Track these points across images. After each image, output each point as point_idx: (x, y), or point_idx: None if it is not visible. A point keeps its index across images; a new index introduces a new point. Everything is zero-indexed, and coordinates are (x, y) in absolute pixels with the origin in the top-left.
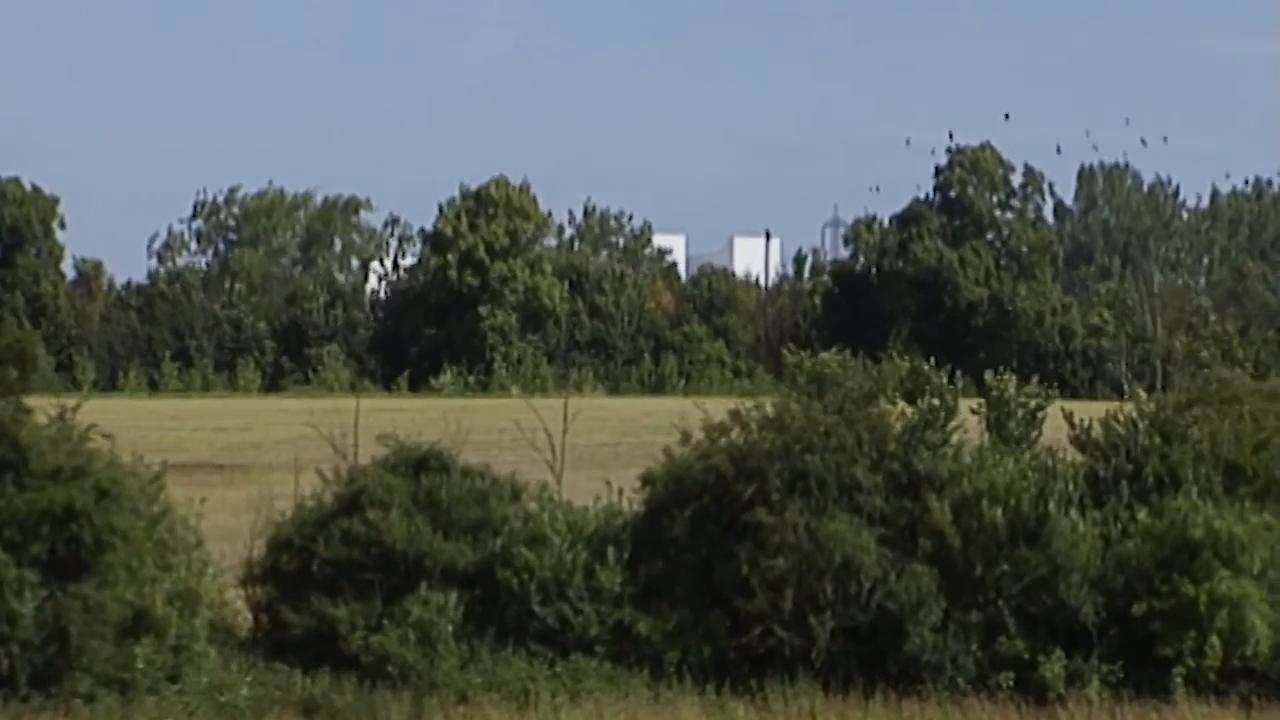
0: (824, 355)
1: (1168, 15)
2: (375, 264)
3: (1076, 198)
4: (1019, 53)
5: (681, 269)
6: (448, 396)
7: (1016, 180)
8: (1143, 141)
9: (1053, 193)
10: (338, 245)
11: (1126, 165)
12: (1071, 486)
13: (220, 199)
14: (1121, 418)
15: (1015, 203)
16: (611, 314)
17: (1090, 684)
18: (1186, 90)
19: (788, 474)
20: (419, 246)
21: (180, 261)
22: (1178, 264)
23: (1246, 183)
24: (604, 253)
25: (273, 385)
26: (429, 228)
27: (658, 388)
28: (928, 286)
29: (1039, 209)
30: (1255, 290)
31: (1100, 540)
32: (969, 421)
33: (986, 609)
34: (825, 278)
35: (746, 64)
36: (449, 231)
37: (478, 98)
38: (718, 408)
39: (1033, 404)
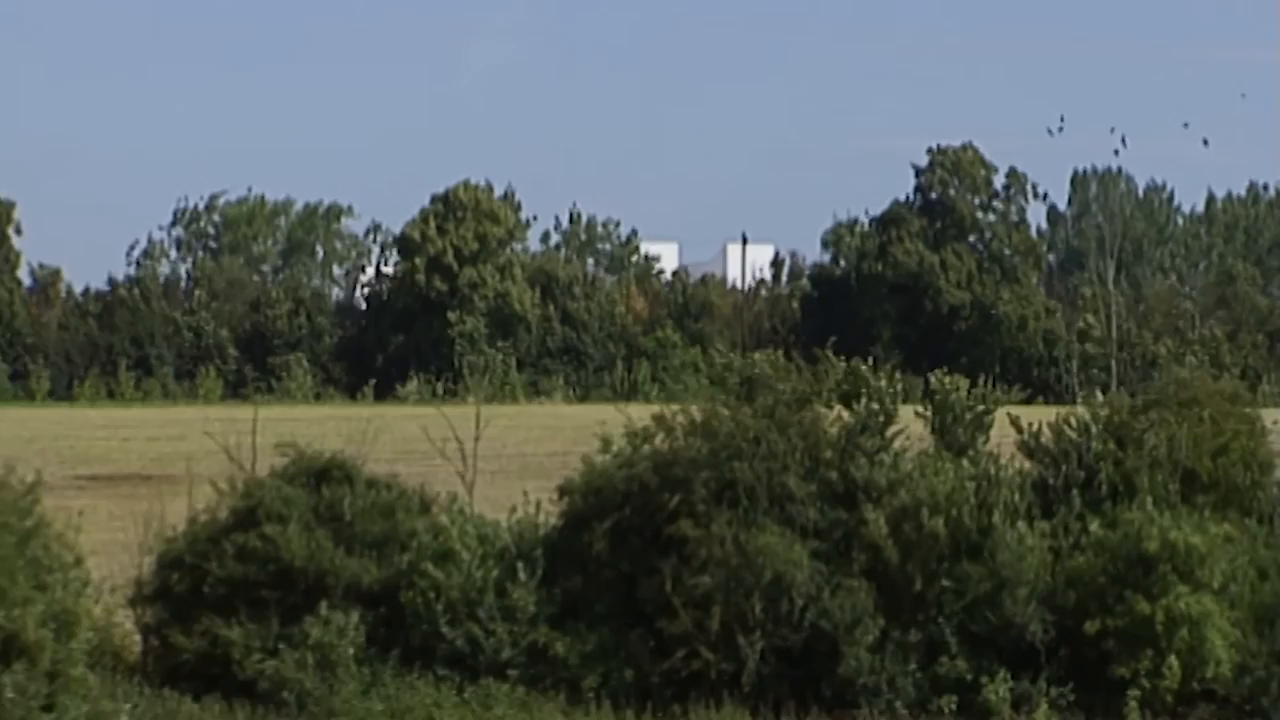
0: (756, 356)
1: (1163, 22)
2: (362, 273)
3: (1069, 203)
4: (1006, 58)
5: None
6: (413, 405)
7: (999, 182)
8: (1123, 141)
9: (1036, 193)
10: (320, 253)
11: (1119, 170)
12: (1018, 496)
13: (201, 206)
14: (1074, 422)
15: (998, 204)
16: (584, 320)
17: (1038, 708)
18: (1182, 96)
19: (715, 483)
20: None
21: (163, 270)
22: (1173, 269)
23: (1250, 189)
24: (590, 260)
25: (235, 394)
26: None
27: (630, 395)
28: (908, 290)
29: (1022, 211)
30: (1244, 293)
31: (1049, 553)
32: (915, 428)
33: (927, 627)
34: (804, 282)
35: (743, 70)
36: (417, 236)
37: (469, 106)
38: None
39: (980, 408)
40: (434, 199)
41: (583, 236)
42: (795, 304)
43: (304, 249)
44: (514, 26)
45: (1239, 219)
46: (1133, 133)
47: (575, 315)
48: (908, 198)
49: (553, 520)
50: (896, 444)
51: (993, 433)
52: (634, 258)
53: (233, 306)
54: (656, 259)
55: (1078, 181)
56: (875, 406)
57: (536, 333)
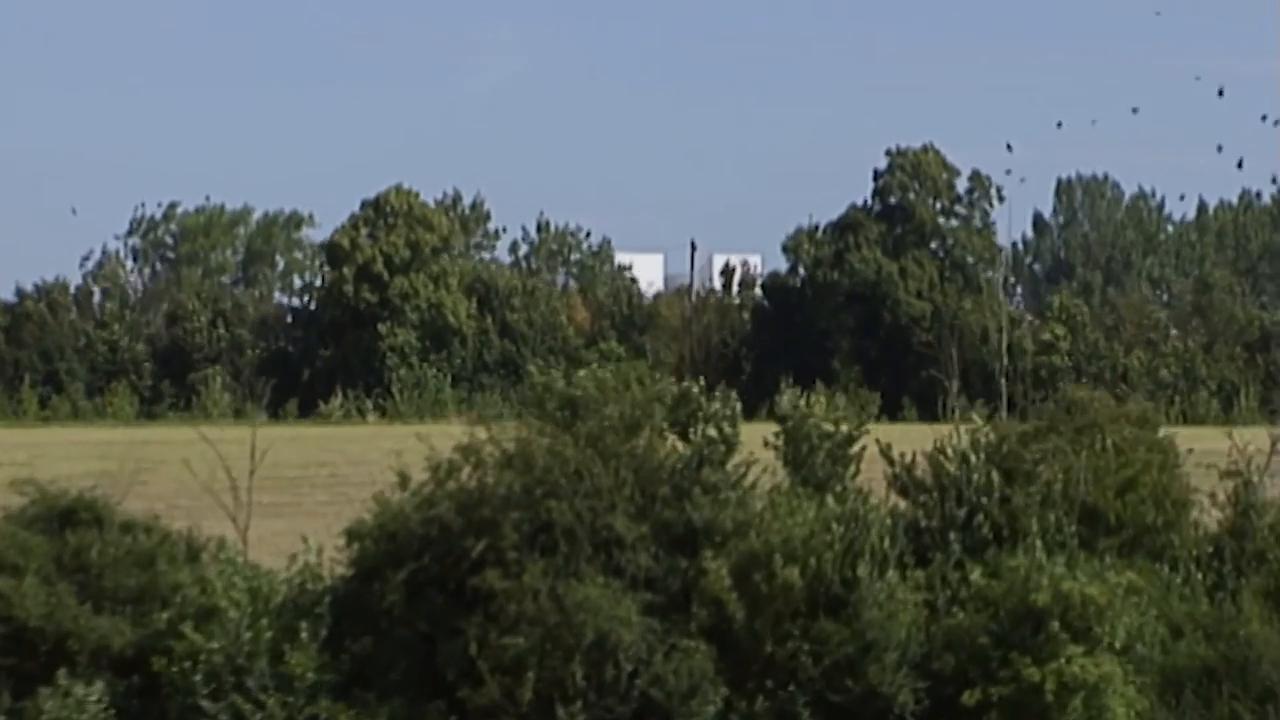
0: (580, 373)
1: (1157, 35)
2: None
3: (1055, 211)
4: (993, 67)
5: (661, 287)
6: (336, 424)
7: (962, 185)
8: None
9: (1001, 197)
10: (280, 264)
11: (1106, 177)
12: (889, 541)
13: (159, 215)
14: (951, 451)
15: (960, 209)
16: (523, 332)
17: None
18: (1174, 104)
19: (528, 526)
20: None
21: (122, 281)
22: (1161, 280)
23: (1243, 196)
24: (560, 271)
25: (149, 412)
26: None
27: None
28: (865, 300)
29: (986, 216)
30: (1221, 302)
31: (923, 609)
32: (765, 457)
33: (777, 696)
34: (756, 291)
35: (736, 83)
36: (345, 244)
37: (440, 116)
38: None
39: (843, 432)
40: (364, 205)
41: (552, 246)
42: (746, 315)
43: (263, 260)
44: (495, 43)
45: (1230, 226)
46: (1123, 139)
47: (514, 327)
48: (866, 202)
49: (340, 570)
50: (748, 478)
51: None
52: (605, 267)
53: (148, 319)
54: (628, 268)
55: (1063, 190)
56: (714, 434)
57: (473, 345)
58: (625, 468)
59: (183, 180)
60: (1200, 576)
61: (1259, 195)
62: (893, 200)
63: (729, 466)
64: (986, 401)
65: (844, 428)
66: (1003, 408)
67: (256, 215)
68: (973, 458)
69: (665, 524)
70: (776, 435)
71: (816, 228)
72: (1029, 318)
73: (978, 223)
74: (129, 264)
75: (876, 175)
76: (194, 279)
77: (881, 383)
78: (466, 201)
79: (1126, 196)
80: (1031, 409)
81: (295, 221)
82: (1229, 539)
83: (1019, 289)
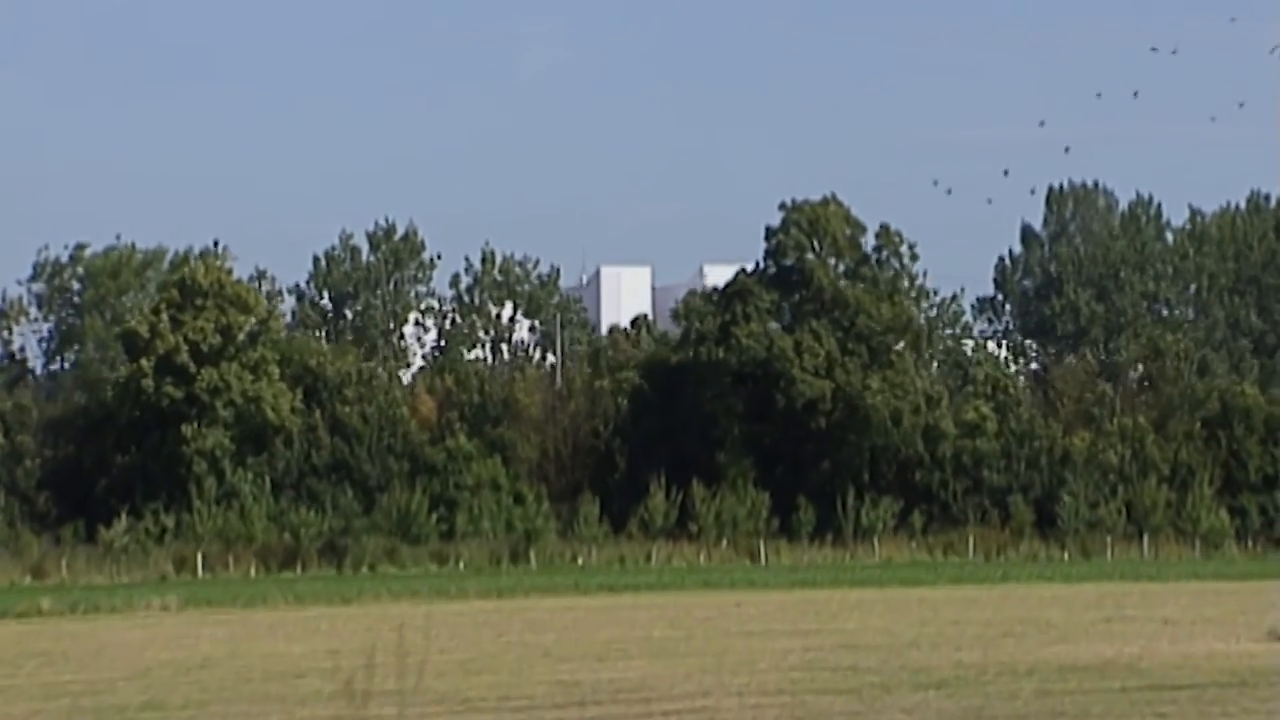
0: None
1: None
2: None
3: (1045, 223)
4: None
5: (648, 301)
6: (121, 551)
7: (869, 243)
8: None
9: (914, 254)
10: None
11: (1097, 184)
12: None
13: (65, 257)
14: None
15: (867, 271)
16: (357, 428)
17: None
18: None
19: None
20: (290, 301)
21: (17, 331)
22: (1158, 297)
23: (1251, 198)
24: (508, 304)
25: None
26: (302, 282)
27: (405, 528)
28: (756, 380)
29: (896, 278)
30: (1175, 370)
31: None
32: None
33: None
34: (631, 372)
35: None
36: (144, 331)
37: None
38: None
39: None
40: (164, 286)
41: (497, 277)
42: (622, 400)
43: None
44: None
45: (1232, 234)
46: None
47: (347, 422)
48: (758, 265)
49: None
50: None
51: None
52: (554, 299)
53: None
54: (578, 300)
55: (1054, 199)
56: None
57: (299, 446)
58: None
59: (90, 218)
60: None
61: (1267, 198)
62: (788, 262)
63: None
64: (900, 496)
65: None
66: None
67: (170, 255)
68: None
69: None
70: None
71: (712, 291)
72: (948, 393)
73: (887, 286)
74: (32, 312)
75: (769, 233)
76: (97, 328)
77: (777, 475)
78: (400, 232)
79: (1122, 204)
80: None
81: (212, 259)
82: None
83: (1008, 306)
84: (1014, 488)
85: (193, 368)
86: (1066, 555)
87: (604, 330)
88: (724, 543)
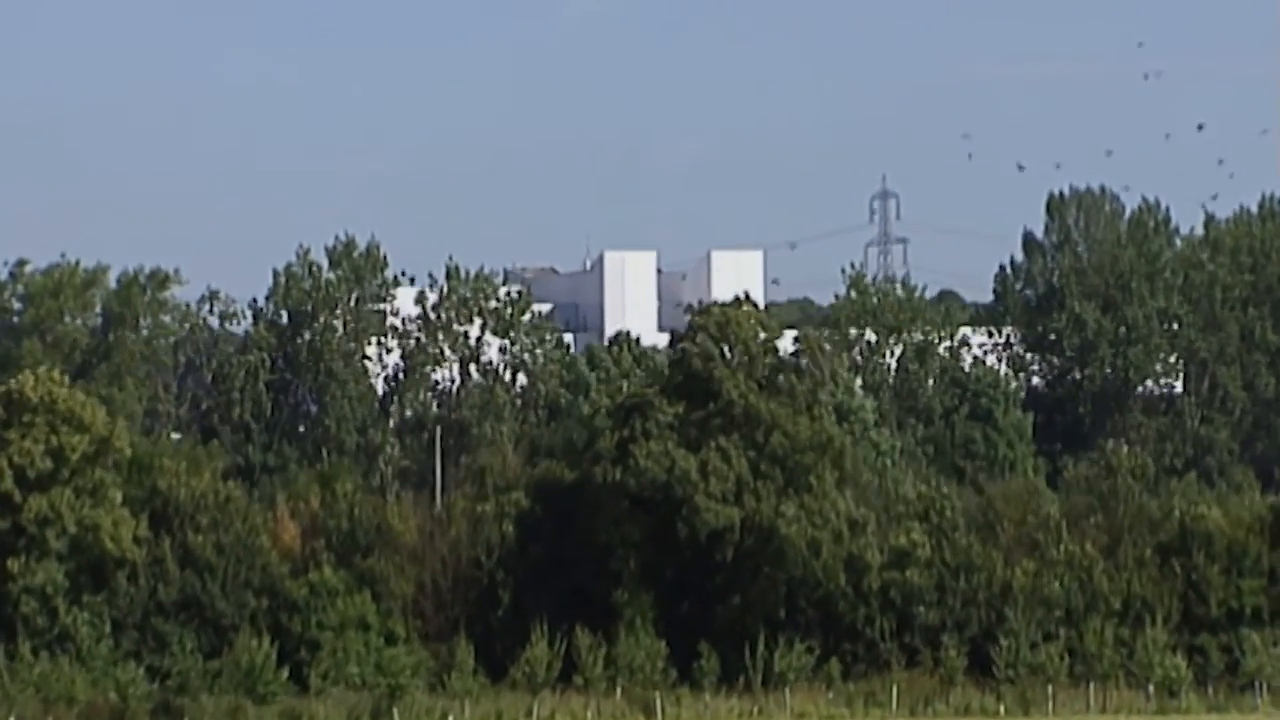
0: None
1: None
2: None
3: (1046, 231)
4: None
5: (652, 287)
6: None
7: (784, 348)
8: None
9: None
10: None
11: (1103, 190)
12: None
13: (4, 275)
14: None
15: (782, 380)
16: (210, 560)
17: None
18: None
19: None
20: (249, 320)
21: None
22: (1167, 312)
23: (1263, 203)
24: (477, 321)
25: None
26: (260, 299)
27: (253, 680)
28: (656, 507)
29: (814, 390)
30: (1127, 489)
31: None
32: None
33: None
34: (518, 495)
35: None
36: None
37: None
38: None
39: None
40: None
41: (465, 294)
42: (508, 527)
43: (123, 324)
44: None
45: (1244, 242)
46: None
47: (199, 553)
48: (660, 373)
49: None
50: None
51: None
52: (525, 316)
53: None
54: (549, 317)
55: (1054, 205)
56: None
57: (144, 580)
58: None
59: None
60: None
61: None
62: (693, 372)
63: None
64: (819, 636)
65: None
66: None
67: (114, 274)
68: None
69: None
70: None
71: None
72: (874, 517)
73: (805, 399)
74: None
75: (674, 338)
76: (36, 353)
77: (679, 614)
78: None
79: (1128, 211)
80: None
81: (159, 280)
82: None
83: (1008, 318)
84: (948, 625)
85: (18, 496)
86: (1003, 707)
87: (607, 322)
88: (617, 693)
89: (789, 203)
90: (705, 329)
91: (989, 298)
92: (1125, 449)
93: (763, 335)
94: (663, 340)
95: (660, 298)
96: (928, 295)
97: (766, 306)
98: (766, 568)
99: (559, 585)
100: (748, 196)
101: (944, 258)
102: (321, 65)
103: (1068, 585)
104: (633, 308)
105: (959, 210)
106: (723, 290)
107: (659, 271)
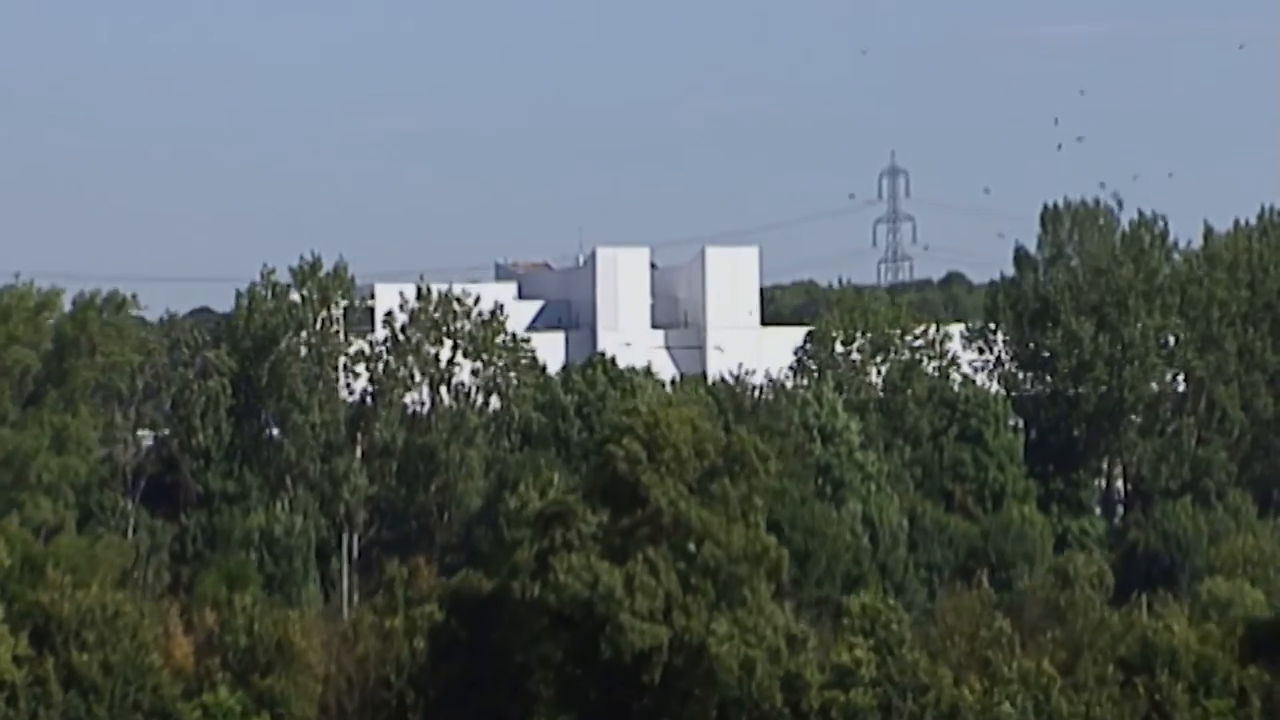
0: None
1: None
2: None
3: (1040, 245)
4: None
5: (646, 284)
6: None
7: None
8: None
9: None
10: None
11: (1098, 203)
12: None
13: None
14: None
15: (714, 488)
16: (96, 681)
17: None
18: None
19: None
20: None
21: None
22: (1164, 328)
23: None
24: (448, 343)
25: None
26: (222, 322)
27: None
28: (578, 625)
29: (747, 498)
30: (1085, 600)
31: None
32: None
33: None
34: (431, 607)
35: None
36: None
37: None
38: None
39: None
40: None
41: (434, 314)
42: (420, 642)
43: (78, 350)
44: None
45: (1243, 256)
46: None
47: (84, 673)
48: (582, 477)
49: None
50: None
51: None
52: (499, 338)
53: None
54: (526, 340)
55: (1048, 218)
56: None
57: (24, 704)
58: None
59: None
60: None
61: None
62: (618, 476)
63: None
64: None
65: None
66: None
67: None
68: None
69: None
70: None
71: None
72: (812, 634)
73: (740, 506)
74: None
75: (599, 444)
76: None
77: None
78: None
79: (1124, 224)
80: None
81: (115, 303)
82: None
83: (1000, 333)
84: None
85: None
86: None
87: (600, 318)
88: None
89: (793, 182)
90: (633, 430)
91: (997, 275)
92: (1082, 558)
93: (694, 437)
94: (657, 338)
95: (654, 294)
96: (934, 279)
97: (763, 301)
98: (697, 689)
99: (474, 707)
100: (751, 173)
101: (953, 236)
102: (319, 58)
103: (1021, 705)
104: (626, 304)
105: (968, 187)
106: (717, 286)
107: (653, 267)
